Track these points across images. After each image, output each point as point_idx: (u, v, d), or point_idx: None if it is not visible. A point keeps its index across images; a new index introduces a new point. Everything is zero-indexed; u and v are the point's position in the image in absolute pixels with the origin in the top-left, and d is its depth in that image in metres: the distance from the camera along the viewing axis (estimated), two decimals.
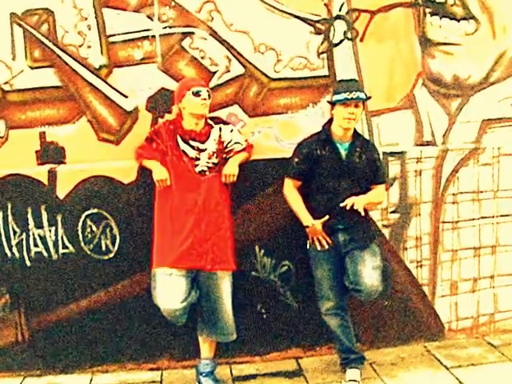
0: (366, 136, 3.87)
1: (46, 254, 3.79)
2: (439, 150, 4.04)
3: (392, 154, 3.96)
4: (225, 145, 3.59)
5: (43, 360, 3.88)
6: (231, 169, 3.53)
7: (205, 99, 3.46)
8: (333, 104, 3.48)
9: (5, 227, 3.78)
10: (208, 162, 3.52)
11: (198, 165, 3.50)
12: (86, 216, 3.79)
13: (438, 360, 3.88)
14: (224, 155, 3.58)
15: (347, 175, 3.49)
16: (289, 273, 3.92)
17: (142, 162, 3.63)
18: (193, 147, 3.51)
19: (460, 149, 4.05)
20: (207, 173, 3.51)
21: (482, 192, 4.10)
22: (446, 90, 4.02)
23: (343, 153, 3.51)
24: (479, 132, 4.07)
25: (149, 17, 3.74)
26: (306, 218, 3.51)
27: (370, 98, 3.49)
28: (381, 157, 3.70)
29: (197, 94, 3.45)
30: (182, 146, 3.51)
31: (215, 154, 3.54)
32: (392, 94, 3.96)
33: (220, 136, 3.58)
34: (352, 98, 3.36)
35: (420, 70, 3.98)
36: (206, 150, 3.53)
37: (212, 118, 3.66)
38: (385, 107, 3.95)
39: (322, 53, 3.88)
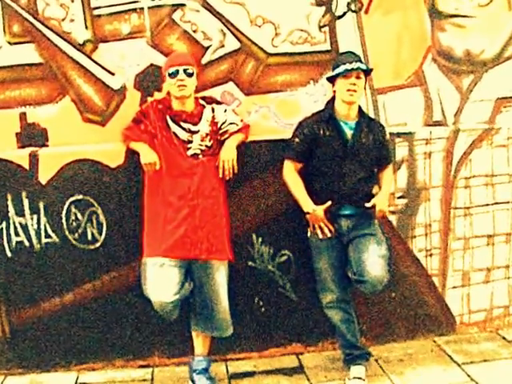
0: (371, 116, 3.76)
1: (27, 243, 3.69)
2: (450, 130, 3.95)
3: (399, 134, 3.87)
4: (219, 126, 3.46)
5: (25, 358, 3.78)
6: (229, 153, 3.39)
7: (182, 80, 3.30)
8: (333, 80, 3.39)
9: None
10: (201, 145, 3.39)
11: (190, 148, 3.37)
12: (71, 203, 3.69)
13: (449, 356, 3.82)
14: (219, 137, 3.45)
15: (352, 157, 3.40)
16: (288, 262, 3.84)
17: (129, 144, 3.51)
18: (184, 129, 3.38)
19: (473, 129, 3.97)
20: (200, 156, 3.38)
21: (496, 176, 4.03)
22: (458, 65, 3.93)
23: (348, 133, 3.41)
24: (493, 111, 4.00)
25: None
26: (306, 203, 3.40)
27: (372, 70, 3.42)
28: (387, 137, 3.62)
29: (172, 75, 3.32)
30: (173, 127, 3.39)
31: (208, 137, 3.41)
32: (399, 71, 3.87)
33: (213, 117, 3.46)
34: (352, 69, 3.29)
35: (429, 44, 3.88)
36: (198, 131, 3.40)
37: (204, 98, 3.54)
38: (391, 84, 3.86)
39: (324, 26, 3.77)
